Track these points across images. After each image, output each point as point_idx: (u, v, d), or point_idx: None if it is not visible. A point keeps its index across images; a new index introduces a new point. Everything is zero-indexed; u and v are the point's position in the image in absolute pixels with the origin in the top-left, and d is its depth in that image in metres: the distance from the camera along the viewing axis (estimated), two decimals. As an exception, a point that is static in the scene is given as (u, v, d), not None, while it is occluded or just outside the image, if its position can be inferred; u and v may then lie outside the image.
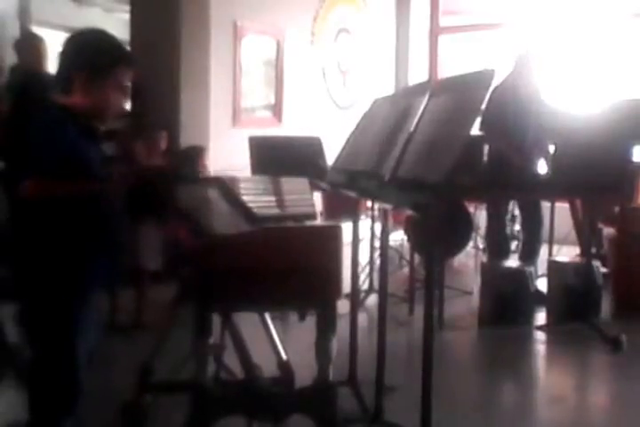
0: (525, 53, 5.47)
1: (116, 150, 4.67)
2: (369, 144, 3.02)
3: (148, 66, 5.30)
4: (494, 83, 2.32)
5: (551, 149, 5.21)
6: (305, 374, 3.20)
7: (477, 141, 5.57)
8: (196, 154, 5.59)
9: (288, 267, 2.35)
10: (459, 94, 2.40)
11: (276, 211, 2.74)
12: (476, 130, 5.19)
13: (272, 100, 7.42)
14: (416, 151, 2.43)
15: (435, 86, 2.71)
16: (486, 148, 5.51)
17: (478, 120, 5.29)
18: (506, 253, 5.59)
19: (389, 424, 3.05)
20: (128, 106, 2.81)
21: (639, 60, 7.86)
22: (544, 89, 5.50)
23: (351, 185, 2.99)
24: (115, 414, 3.14)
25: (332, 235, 2.43)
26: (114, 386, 3.40)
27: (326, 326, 2.52)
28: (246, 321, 2.90)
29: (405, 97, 3.00)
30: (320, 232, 2.48)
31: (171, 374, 3.25)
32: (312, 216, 2.73)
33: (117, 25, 7.12)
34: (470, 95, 2.30)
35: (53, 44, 4.80)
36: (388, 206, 3.06)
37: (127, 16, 6.76)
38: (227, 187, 2.80)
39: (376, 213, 5.49)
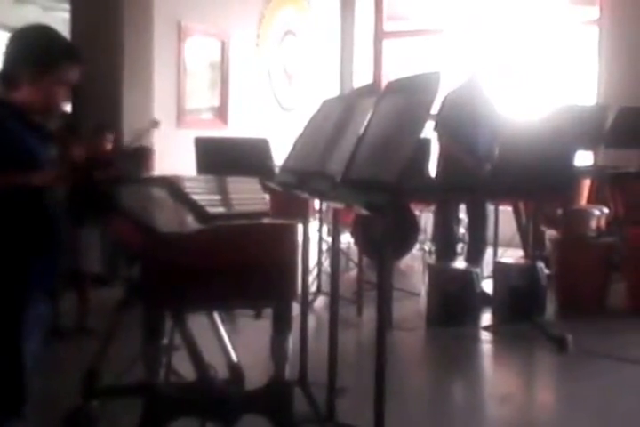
0: (477, 70, 5.56)
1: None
2: (319, 145, 3.00)
3: (89, 65, 5.18)
4: (443, 86, 2.33)
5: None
6: (254, 376, 3.18)
7: (424, 144, 5.63)
8: (142, 155, 5.50)
9: (244, 265, 2.32)
10: (408, 96, 2.40)
11: (221, 209, 2.70)
12: (425, 132, 5.23)
13: (217, 102, 7.37)
14: (367, 152, 2.43)
15: (384, 88, 2.71)
16: (436, 150, 5.59)
17: (432, 122, 5.40)
18: (453, 254, 5.65)
19: (342, 425, 3.03)
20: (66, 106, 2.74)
21: (581, 65, 8.04)
22: (496, 100, 5.60)
23: (302, 186, 2.97)
24: (60, 420, 3.06)
25: (289, 232, 2.41)
26: (58, 392, 3.32)
27: (282, 324, 2.50)
28: (194, 324, 2.86)
29: (355, 98, 2.99)
30: (276, 229, 2.46)
31: (117, 379, 3.19)
32: (266, 214, 2.70)
33: (56, 23, 6.96)
34: (419, 97, 2.31)
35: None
36: (338, 207, 3.05)
37: (66, 15, 6.62)
38: (175, 186, 2.76)
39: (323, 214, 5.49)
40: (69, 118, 5.02)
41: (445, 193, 5.29)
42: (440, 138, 5.53)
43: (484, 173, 5.17)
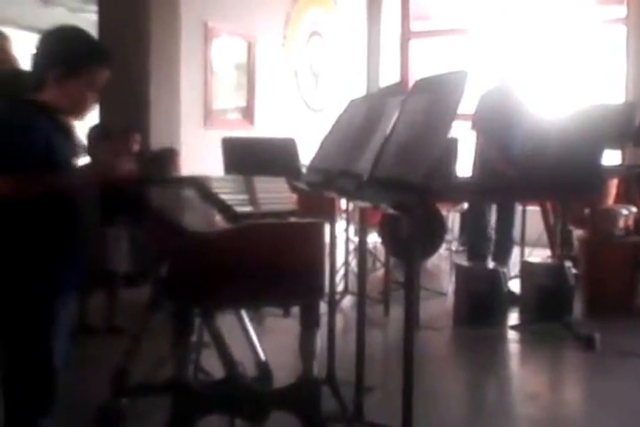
0: (509, 72, 5.58)
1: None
2: (346, 144, 3.01)
3: (116, 67, 5.23)
4: (470, 86, 2.33)
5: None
6: (282, 374, 3.20)
7: (451, 144, 5.64)
8: (168, 156, 5.55)
9: (272, 263, 2.34)
10: (435, 95, 2.40)
11: (249, 208, 2.72)
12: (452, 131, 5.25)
13: (244, 103, 7.40)
14: (394, 151, 2.43)
15: (411, 87, 2.71)
16: (473, 149, 5.61)
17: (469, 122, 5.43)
18: (486, 254, 5.64)
19: (370, 424, 3.04)
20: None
21: (609, 64, 7.98)
22: (528, 101, 5.61)
23: (329, 185, 2.98)
24: (90, 418, 3.09)
25: (316, 231, 2.43)
26: (89, 390, 3.35)
27: (310, 322, 2.51)
28: (223, 322, 2.88)
29: (381, 97, 2.99)
30: (303, 228, 2.48)
31: (146, 376, 3.22)
32: (294, 213, 2.72)
33: (83, 25, 6.98)
34: (446, 96, 2.30)
35: (19, 44, 4.71)
36: (365, 206, 3.06)
37: (93, 16, 6.68)
38: (203, 186, 2.78)
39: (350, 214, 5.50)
40: (103, 128, 5.03)
41: (473, 193, 5.29)
42: (477, 137, 5.57)
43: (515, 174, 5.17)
